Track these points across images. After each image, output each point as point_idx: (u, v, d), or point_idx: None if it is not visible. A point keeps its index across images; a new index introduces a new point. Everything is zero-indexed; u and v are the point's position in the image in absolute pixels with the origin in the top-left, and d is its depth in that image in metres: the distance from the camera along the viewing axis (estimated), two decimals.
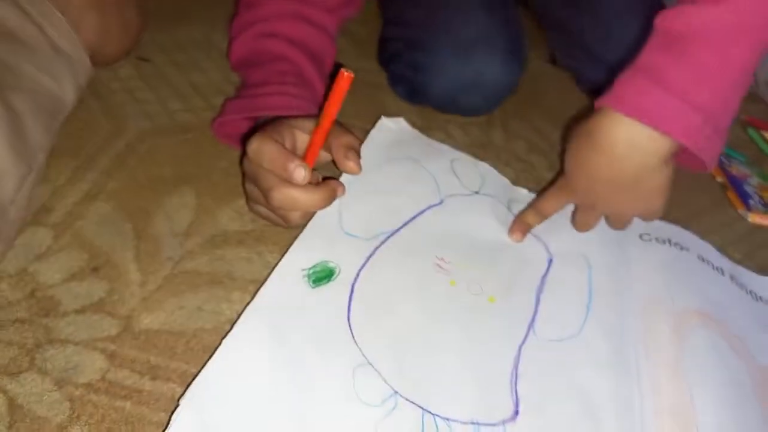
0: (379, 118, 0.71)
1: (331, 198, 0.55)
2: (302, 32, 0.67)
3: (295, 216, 0.54)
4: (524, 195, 0.70)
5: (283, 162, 0.50)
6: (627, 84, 0.53)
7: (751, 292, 0.66)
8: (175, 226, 0.57)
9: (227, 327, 0.49)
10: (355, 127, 0.70)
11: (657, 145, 0.52)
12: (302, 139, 0.55)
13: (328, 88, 0.50)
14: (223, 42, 0.75)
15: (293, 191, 0.51)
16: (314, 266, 0.54)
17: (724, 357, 0.57)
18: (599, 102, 0.54)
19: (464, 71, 0.75)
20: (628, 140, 0.53)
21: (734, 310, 0.62)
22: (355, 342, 0.50)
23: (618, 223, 0.63)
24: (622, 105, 0.52)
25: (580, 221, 0.64)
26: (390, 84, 0.84)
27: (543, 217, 0.64)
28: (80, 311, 0.49)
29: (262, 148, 0.51)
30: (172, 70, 0.74)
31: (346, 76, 0.49)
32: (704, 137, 0.52)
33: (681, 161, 0.57)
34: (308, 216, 0.56)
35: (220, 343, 0.47)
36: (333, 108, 0.50)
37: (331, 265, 0.55)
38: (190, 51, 0.78)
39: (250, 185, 0.55)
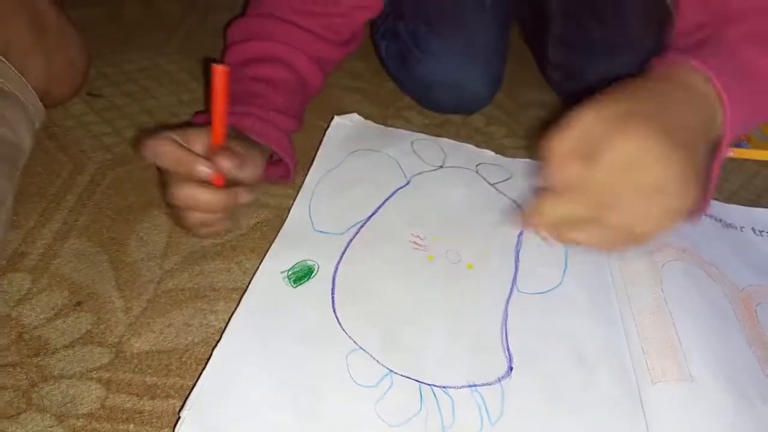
0: (332, 117, 0.73)
1: (231, 201, 0.51)
2: (285, 74, 0.65)
3: (194, 217, 0.51)
4: (490, 157, 0.71)
5: (187, 159, 0.48)
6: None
7: (720, 220, 0.68)
8: (151, 250, 0.58)
9: (217, 337, 0.50)
10: (314, 127, 0.72)
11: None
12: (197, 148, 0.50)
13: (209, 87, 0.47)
14: (170, 65, 0.75)
15: (194, 189, 0.49)
16: (293, 267, 0.55)
17: (702, 287, 0.58)
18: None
19: (457, 72, 0.76)
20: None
21: (707, 240, 0.64)
22: (344, 330, 0.51)
23: (606, 242, 0.46)
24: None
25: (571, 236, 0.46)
26: (377, 36, 0.83)
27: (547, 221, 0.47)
28: (69, 346, 0.49)
29: (159, 148, 0.49)
30: (124, 101, 0.74)
31: (220, 70, 0.45)
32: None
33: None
34: (210, 227, 0.53)
35: (212, 354, 0.48)
36: (218, 105, 0.47)
37: (310, 263, 0.56)
38: (139, 79, 0.78)
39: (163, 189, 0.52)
